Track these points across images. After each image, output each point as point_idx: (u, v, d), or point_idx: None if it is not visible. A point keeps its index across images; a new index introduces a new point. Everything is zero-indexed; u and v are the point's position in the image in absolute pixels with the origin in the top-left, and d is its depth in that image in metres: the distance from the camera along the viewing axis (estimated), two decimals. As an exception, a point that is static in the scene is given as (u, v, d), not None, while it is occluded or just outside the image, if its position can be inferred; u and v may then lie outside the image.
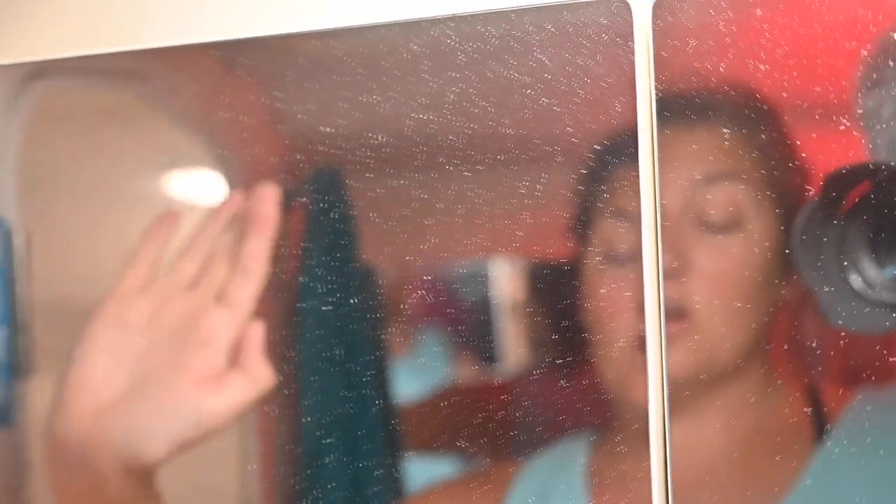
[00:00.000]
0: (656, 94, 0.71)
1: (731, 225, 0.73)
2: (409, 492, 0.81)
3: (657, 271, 0.71)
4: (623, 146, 0.73)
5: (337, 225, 0.82)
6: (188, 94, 0.87)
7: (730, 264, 0.72)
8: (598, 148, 0.74)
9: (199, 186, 0.92)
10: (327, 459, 0.82)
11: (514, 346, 0.79)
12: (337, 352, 0.81)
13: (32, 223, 0.91)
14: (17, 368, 0.89)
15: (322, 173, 0.81)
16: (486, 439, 0.76)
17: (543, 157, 0.74)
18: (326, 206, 0.82)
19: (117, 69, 0.89)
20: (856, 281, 0.70)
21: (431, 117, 0.76)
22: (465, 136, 0.75)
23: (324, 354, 0.81)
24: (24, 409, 0.90)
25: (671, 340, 0.72)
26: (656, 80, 0.70)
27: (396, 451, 0.81)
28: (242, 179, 0.87)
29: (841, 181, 0.69)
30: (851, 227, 0.69)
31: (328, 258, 0.82)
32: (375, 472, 0.81)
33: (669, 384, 0.70)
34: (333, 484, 0.82)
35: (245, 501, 0.87)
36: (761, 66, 0.68)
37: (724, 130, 0.71)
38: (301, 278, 0.82)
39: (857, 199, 0.69)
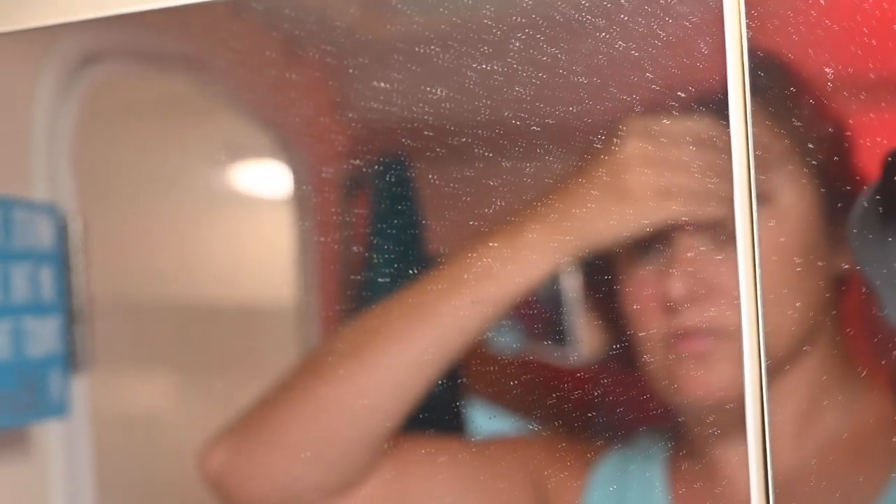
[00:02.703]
0: (748, 34, 0.63)
1: (763, 200, 0.66)
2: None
3: (752, 245, 0.63)
4: (711, 97, 0.66)
5: (393, 187, 0.76)
6: (247, 80, 0.83)
7: (792, 248, 0.66)
8: (683, 96, 0.66)
9: (261, 176, 0.90)
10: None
11: (585, 328, 0.73)
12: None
13: (90, 212, 0.88)
14: (75, 360, 0.86)
15: (378, 137, 0.76)
16: (557, 415, 0.69)
17: (620, 108, 0.67)
18: (382, 168, 0.76)
19: (174, 55, 0.86)
20: None
21: (495, 67, 0.70)
22: (533, 86, 0.68)
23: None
24: (82, 402, 0.87)
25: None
26: (748, 16, 0.63)
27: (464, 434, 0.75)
28: (304, 161, 0.83)
29: None
30: None
31: (387, 223, 0.77)
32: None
33: (767, 370, 0.62)
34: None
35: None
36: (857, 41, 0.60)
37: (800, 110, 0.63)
38: (365, 250, 0.78)
39: None
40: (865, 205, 0.62)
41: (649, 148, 0.68)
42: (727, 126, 0.62)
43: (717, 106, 0.63)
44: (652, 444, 0.72)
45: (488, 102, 0.70)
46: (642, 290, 0.69)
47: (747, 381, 0.63)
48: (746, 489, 0.64)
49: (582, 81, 0.67)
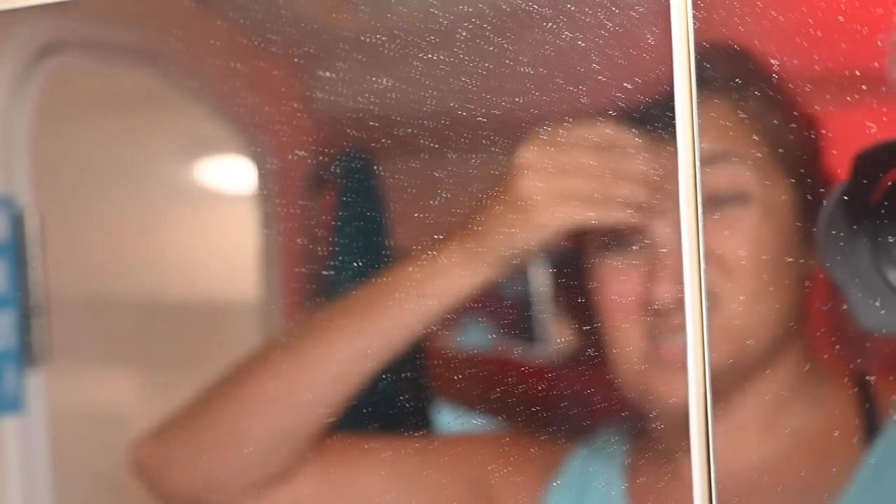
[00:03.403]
0: (695, 25, 0.62)
1: (744, 206, 0.66)
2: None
3: (697, 246, 0.62)
4: (657, 88, 0.65)
5: (342, 179, 0.76)
6: (210, 73, 0.82)
7: (743, 241, 0.65)
8: (629, 87, 0.65)
9: (223, 169, 0.89)
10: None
11: (550, 325, 0.72)
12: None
13: (47, 205, 0.87)
14: (30, 355, 0.85)
15: (341, 130, 0.75)
16: (529, 416, 0.69)
17: (567, 99, 0.66)
18: (345, 161, 0.76)
19: (135, 46, 0.85)
20: (894, 276, 0.60)
21: (442, 57, 0.69)
22: (479, 77, 0.67)
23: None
24: (39, 398, 0.86)
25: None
26: (694, 7, 0.62)
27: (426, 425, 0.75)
28: (267, 154, 0.82)
29: (873, 163, 0.60)
30: (887, 214, 0.60)
31: (351, 220, 0.76)
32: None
33: (711, 378, 0.62)
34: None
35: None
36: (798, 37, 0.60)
37: (747, 102, 0.62)
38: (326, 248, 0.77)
39: (891, 183, 0.60)
40: (833, 205, 0.61)
41: (544, 155, 0.69)
42: (673, 118, 0.61)
43: (664, 97, 0.63)
44: (613, 446, 0.72)
45: (434, 93, 0.69)
46: (622, 289, 0.68)
47: (691, 384, 0.62)
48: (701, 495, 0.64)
49: (528, 72, 0.67)
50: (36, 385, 0.88)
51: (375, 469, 0.75)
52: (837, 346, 0.64)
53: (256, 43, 0.80)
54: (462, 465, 0.75)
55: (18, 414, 0.88)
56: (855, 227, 0.61)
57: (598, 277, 0.70)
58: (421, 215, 0.73)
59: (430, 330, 0.73)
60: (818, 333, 0.65)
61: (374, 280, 0.73)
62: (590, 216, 0.69)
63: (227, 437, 0.76)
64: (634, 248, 0.68)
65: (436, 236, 0.72)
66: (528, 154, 0.70)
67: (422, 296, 0.71)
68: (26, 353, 0.88)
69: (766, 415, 0.68)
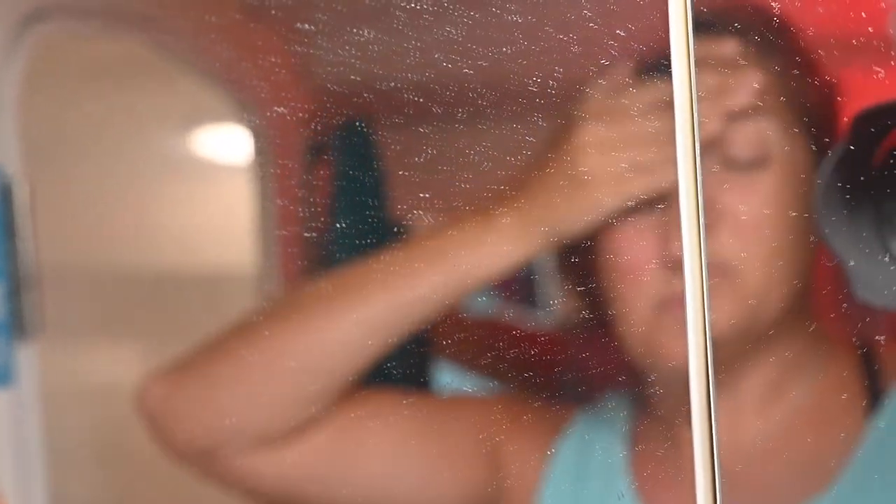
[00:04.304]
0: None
1: (759, 163, 0.64)
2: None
3: (697, 215, 0.59)
4: (652, 37, 0.62)
5: (339, 146, 0.74)
6: (202, 39, 0.80)
7: (763, 206, 0.63)
8: (622, 34, 0.62)
9: (218, 138, 0.87)
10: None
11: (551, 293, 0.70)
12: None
13: (37, 175, 0.86)
14: (21, 328, 0.84)
15: (339, 97, 0.73)
16: (534, 380, 0.67)
17: (557, 48, 0.63)
18: (343, 129, 0.74)
19: (127, 13, 0.83)
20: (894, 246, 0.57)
21: (425, 6, 0.66)
22: (465, 27, 0.65)
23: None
24: (28, 371, 0.85)
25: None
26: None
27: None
28: (263, 122, 0.80)
29: (875, 122, 0.57)
30: (890, 178, 0.57)
31: (349, 189, 0.74)
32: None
33: (713, 345, 0.59)
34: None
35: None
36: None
37: (747, 48, 0.60)
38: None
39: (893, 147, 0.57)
40: (829, 171, 0.58)
41: (601, 131, 0.67)
42: (668, 66, 0.59)
43: (658, 45, 0.60)
44: (617, 412, 0.70)
45: (418, 44, 0.66)
46: (634, 247, 0.66)
47: (691, 353, 0.59)
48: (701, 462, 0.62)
49: (516, 21, 0.64)
50: (27, 358, 0.87)
51: (387, 428, 0.73)
52: (843, 308, 0.61)
53: (251, 7, 0.78)
54: (470, 426, 0.73)
55: (9, 387, 0.86)
56: (854, 191, 0.58)
57: (610, 238, 0.67)
58: (420, 181, 0.71)
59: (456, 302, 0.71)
60: (824, 295, 0.63)
61: (401, 249, 0.71)
62: (649, 186, 0.66)
63: (243, 386, 0.74)
64: (646, 207, 0.66)
65: (465, 207, 0.69)
66: (587, 133, 0.67)
67: (456, 269, 0.68)
68: (17, 326, 0.87)
69: (772, 379, 0.67)
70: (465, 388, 0.75)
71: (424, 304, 0.70)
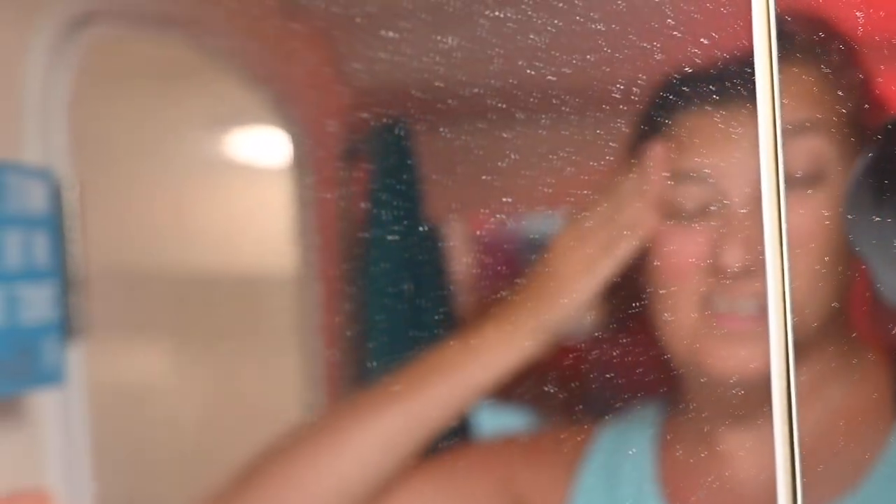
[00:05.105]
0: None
1: (815, 179, 0.65)
2: (477, 435, 0.74)
3: (779, 222, 0.60)
4: (735, 47, 0.63)
5: (401, 144, 0.74)
6: (247, 43, 0.81)
7: (816, 221, 0.64)
8: (706, 43, 0.64)
9: (260, 140, 0.88)
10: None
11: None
12: (403, 286, 0.74)
13: (86, 177, 0.86)
14: (70, 328, 0.84)
15: (379, 96, 0.74)
16: (555, 396, 0.68)
17: (640, 56, 0.65)
18: (382, 129, 0.74)
19: (170, 15, 0.83)
20: None
21: (508, 14, 0.67)
22: (548, 34, 0.66)
23: (388, 290, 0.74)
24: (78, 370, 0.85)
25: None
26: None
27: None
28: (303, 124, 0.81)
29: None
30: None
31: (393, 181, 0.75)
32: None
33: (794, 350, 0.60)
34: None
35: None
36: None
37: (814, 70, 0.61)
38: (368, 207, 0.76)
39: None
40: (860, 176, 0.60)
41: (573, 230, 0.70)
42: (752, 76, 0.60)
43: (742, 56, 0.61)
44: (646, 421, 0.71)
45: (501, 52, 0.68)
46: (683, 251, 0.67)
47: (773, 361, 0.61)
48: (757, 474, 0.63)
49: (599, 29, 0.65)
50: (76, 357, 0.87)
51: (408, 480, 0.74)
52: (875, 314, 0.63)
53: (297, 4, 0.78)
54: (491, 468, 0.74)
55: (60, 386, 0.87)
56: (883, 198, 0.59)
57: (663, 242, 0.68)
58: (469, 183, 0.72)
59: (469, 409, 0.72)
60: (859, 302, 0.64)
61: (412, 362, 0.72)
62: (609, 264, 0.68)
63: None
64: (699, 213, 0.67)
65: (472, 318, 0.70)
66: (558, 239, 0.70)
67: (462, 376, 0.70)
68: (67, 326, 0.87)
69: (810, 384, 0.67)
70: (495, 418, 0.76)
71: (433, 419, 0.72)
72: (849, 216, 0.60)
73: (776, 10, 0.58)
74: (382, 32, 0.70)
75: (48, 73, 0.86)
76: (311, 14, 0.76)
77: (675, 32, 0.62)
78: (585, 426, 0.72)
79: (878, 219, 0.58)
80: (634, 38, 0.64)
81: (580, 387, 0.70)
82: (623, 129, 0.66)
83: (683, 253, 0.67)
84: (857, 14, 0.60)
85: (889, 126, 0.59)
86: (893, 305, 0.61)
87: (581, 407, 0.71)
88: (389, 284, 0.77)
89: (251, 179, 0.98)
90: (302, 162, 0.87)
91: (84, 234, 0.87)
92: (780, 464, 0.59)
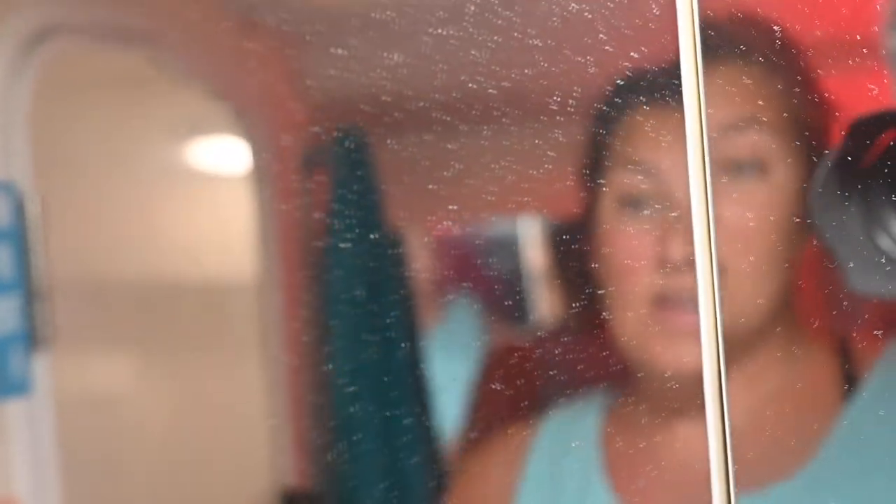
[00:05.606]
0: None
1: (755, 172, 0.67)
2: (440, 443, 0.75)
3: (707, 222, 0.63)
4: (662, 56, 0.66)
5: (353, 155, 0.76)
6: (204, 52, 0.83)
7: (756, 213, 0.66)
8: (636, 56, 0.66)
9: (220, 150, 0.89)
10: (352, 409, 0.76)
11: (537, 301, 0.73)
12: (359, 292, 0.76)
13: (49, 191, 0.87)
14: (36, 339, 0.85)
15: (336, 106, 0.76)
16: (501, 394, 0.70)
17: (575, 69, 0.67)
18: (341, 137, 0.76)
19: (128, 29, 0.85)
20: (883, 240, 0.62)
21: (451, 31, 0.70)
22: (489, 50, 0.68)
23: (345, 296, 0.76)
24: (44, 381, 0.86)
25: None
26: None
27: (425, 399, 0.75)
28: (263, 133, 0.83)
29: (866, 128, 0.61)
30: (878, 179, 0.61)
31: (347, 191, 0.77)
32: (404, 421, 0.75)
33: (725, 345, 0.63)
34: (360, 435, 0.76)
35: (270, 456, 0.81)
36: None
37: (751, 68, 0.63)
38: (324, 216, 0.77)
39: (884, 149, 0.61)
40: (826, 170, 0.63)
41: None
42: (679, 85, 0.63)
43: (670, 67, 0.64)
44: (589, 414, 0.72)
45: (445, 67, 0.70)
46: (632, 249, 0.69)
47: (705, 353, 0.63)
48: (693, 463, 0.65)
49: (536, 44, 0.68)
50: (42, 367, 0.88)
51: None
52: (830, 307, 0.65)
53: (253, 22, 0.80)
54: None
55: (27, 396, 0.88)
56: (846, 191, 0.62)
57: (607, 242, 0.70)
58: (417, 193, 0.74)
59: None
60: (804, 289, 0.66)
61: None
62: None
63: None
64: (645, 212, 0.69)
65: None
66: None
67: None
68: (32, 337, 0.88)
69: (753, 371, 0.69)
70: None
71: None
72: (815, 206, 0.62)
73: (700, 20, 0.60)
74: (332, 50, 0.73)
75: (8, 86, 0.88)
76: (266, 33, 0.78)
77: (606, 47, 0.65)
78: (530, 421, 0.73)
79: (844, 209, 0.61)
80: (569, 53, 0.66)
81: (525, 384, 0.71)
82: (560, 139, 0.69)
83: (629, 248, 0.69)
84: (796, 13, 0.63)
85: (851, 127, 0.62)
86: (861, 294, 0.62)
87: (526, 403, 0.72)
88: (347, 290, 0.79)
89: (212, 190, 0.99)
90: (262, 173, 0.88)
91: (47, 246, 0.88)
92: (713, 453, 0.62)
